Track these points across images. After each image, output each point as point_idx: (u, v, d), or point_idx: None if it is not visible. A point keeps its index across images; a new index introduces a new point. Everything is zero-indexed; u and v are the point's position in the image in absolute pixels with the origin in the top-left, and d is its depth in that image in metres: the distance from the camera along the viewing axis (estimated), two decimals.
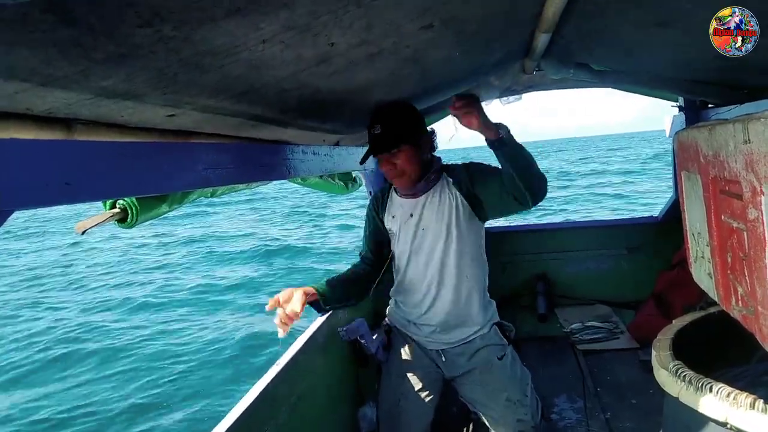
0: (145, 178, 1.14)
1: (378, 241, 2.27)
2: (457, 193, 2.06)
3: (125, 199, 1.41)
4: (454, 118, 1.93)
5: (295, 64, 1.21)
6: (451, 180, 2.10)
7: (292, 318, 1.82)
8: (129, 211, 1.42)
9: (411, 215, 2.12)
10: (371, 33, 1.22)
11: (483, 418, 2.16)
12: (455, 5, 1.31)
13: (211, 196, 1.85)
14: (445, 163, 2.20)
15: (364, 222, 2.34)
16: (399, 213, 2.16)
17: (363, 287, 2.23)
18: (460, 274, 2.08)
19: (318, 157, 2.14)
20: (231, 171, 1.49)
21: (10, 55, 0.71)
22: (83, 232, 1.32)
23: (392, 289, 2.26)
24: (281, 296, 1.87)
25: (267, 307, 1.83)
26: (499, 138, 1.83)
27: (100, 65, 0.84)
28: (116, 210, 1.40)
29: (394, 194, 2.22)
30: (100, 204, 1.47)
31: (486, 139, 1.85)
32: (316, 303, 2.03)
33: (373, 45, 1.31)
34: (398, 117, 2.01)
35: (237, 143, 1.61)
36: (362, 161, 2.12)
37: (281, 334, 1.81)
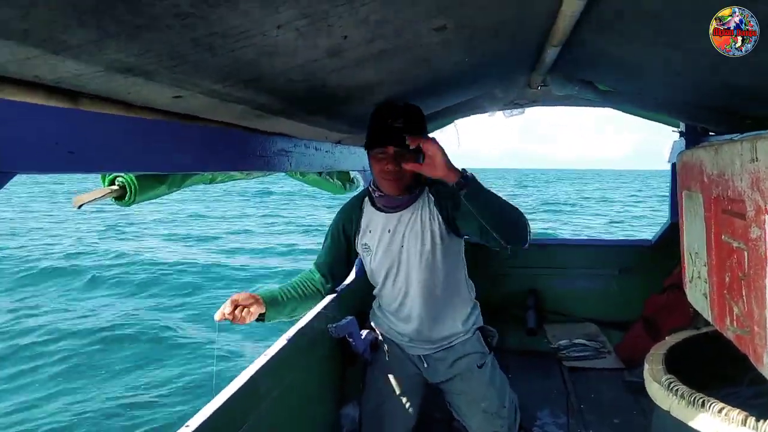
0: (148, 155, 1.13)
1: (336, 260, 2.17)
2: (437, 214, 1.98)
3: (124, 176, 1.40)
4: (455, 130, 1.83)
5: (306, 54, 1.21)
6: (433, 198, 2.00)
7: (237, 321, 1.75)
8: (128, 189, 1.40)
9: (389, 231, 2.03)
10: (385, 29, 1.22)
11: (465, 426, 2.16)
12: (470, 8, 1.31)
13: (210, 182, 1.84)
14: None
15: (326, 233, 2.21)
16: (374, 228, 2.06)
17: (310, 304, 2.13)
18: (440, 290, 2.04)
19: (320, 153, 2.13)
20: (233, 157, 1.48)
21: (27, 18, 0.70)
22: (80, 206, 1.31)
23: (374, 293, 2.22)
24: (234, 302, 1.78)
25: (216, 318, 1.74)
26: (462, 181, 1.72)
27: (115, 36, 0.83)
28: (115, 187, 1.39)
29: (369, 207, 2.10)
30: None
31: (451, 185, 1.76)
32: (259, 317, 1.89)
33: (386, 41, 1.31)
34: (418, 118, 1.95)
35: (241, 131, 1.60)
36: (367, 146, 1.97)
37: (217, 317, 1.74)
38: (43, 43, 0.80)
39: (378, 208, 2.07)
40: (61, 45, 0.82)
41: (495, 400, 2.10)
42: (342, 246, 2.14)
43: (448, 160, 1.74)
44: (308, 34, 1.06)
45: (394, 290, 2.08)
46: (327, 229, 2.22)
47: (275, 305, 1.93)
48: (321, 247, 2.23)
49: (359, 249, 2.12)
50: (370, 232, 2.07)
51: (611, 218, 27.42)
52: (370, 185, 2.10)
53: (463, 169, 1.75)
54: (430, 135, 1.94)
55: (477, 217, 1.79)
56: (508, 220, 1.82)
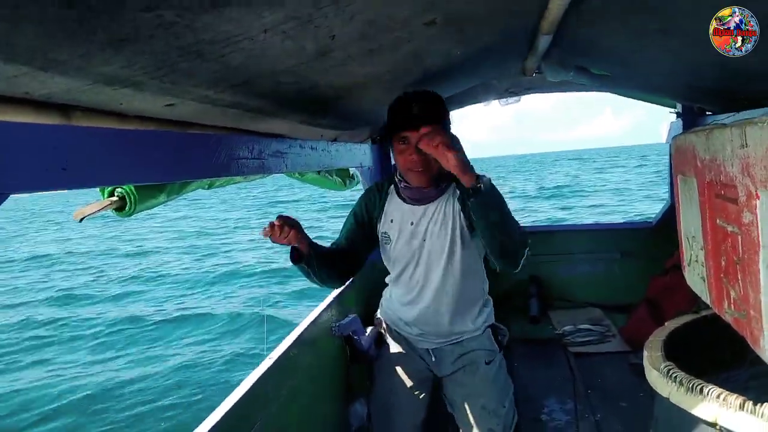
0: (143, 166, 1.14)
1: (358, 238, 2.10)
2: (459, 209, 1.95)
3: (123, 187, 1.41)
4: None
5: (295, 56, 1.21)
6: (458, 193, 1.89)
7: (278, 238, 1.75)
8: (127, 200, 1.41)
9: (411, 223, 2.00)
10: (373, 27, 1.22)
11: (456, 421, 2.11)
12: (458, 1, 1.31)
13: (209, 187, 1.84)
14: None
15: (349, 214, 2.16)
16: (397, 218, 2.03)
17: (338, 275, 2.06)
18: (459, 285, 2.02)
19: (316, 152, 2.14)
20: (229, 163, 1.48)
21: (13, 36, 0.71)
22: (81, 220, 1.32)
23: (387, 280, 2.21)
24: (282, 218, 1.77)
25: (262, 233, 1.73)
26: (477, 186, 1.67)
27: (100, 50, 0.84)
28: (114, 198, 1.40)
29: (394, 197, 2.06)
30: (98, 192, 1.46)
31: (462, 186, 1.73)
32: (297, 252, 1.86)
33: (375, 39, 1.31)
34: (436, 102, 1.88)
35: (235, 135, 1.60)
36: (388, 137, 1.93)
37: (264, 233, 1.73)
38: (30, 60, 0.80)
39: (402, 199, 2.03)
40: (48, 61, 0.83)
41: (495, 398, 2.06)
42: (365, 224, 2.09)
43: (465, 161, 1.69)
44: (296, 37, 1.06)
45: (410, 282, 2.06)
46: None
47: (315, 249, 1.88)
48: (340, 230, 2.16)
49: (379, 235, 2.09)
50: (391, 221, 2.04)
51: (609, 197, 27.52)
52: (396, 174, 2.04)
53: (482, 176, 1.70)
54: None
55: (479, 224, 1.78)
56: (506, 246, 1.81)
